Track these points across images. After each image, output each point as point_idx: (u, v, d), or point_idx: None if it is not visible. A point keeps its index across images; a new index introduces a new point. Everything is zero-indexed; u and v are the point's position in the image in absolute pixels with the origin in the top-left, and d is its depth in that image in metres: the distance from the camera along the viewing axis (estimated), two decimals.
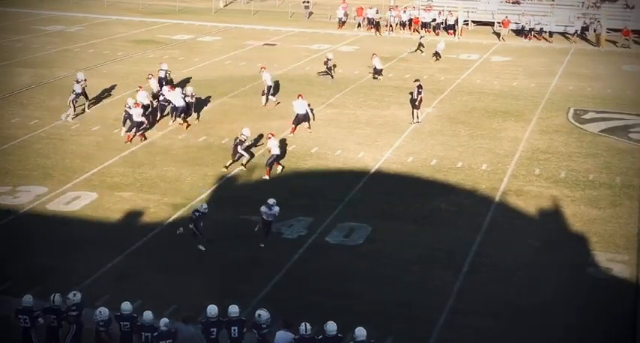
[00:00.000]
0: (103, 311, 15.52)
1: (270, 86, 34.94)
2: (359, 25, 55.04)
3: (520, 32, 52.94)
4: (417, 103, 32.33)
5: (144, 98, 31.42)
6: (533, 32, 52.27)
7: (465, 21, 54.18)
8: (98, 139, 29.66)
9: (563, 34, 52.37)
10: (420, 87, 32.41)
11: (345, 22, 55.50)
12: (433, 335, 17.33)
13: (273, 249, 21.15)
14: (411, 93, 33.07)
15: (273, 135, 26.82)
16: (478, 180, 26.21)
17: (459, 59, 45.62)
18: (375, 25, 54.10)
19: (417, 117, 32.46)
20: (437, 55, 44.30)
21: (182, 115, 31.26)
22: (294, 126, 30.75)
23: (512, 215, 23.78)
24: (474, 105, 35.28)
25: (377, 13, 54.57)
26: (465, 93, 37.33)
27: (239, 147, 26.80)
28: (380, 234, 22.16)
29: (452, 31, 52.97)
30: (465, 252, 21.14)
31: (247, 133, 27.31)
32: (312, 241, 21.73)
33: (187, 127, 31.02)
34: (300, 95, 31.39)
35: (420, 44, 46.30)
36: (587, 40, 51.41)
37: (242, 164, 27.10)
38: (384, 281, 19.63)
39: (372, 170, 27.16)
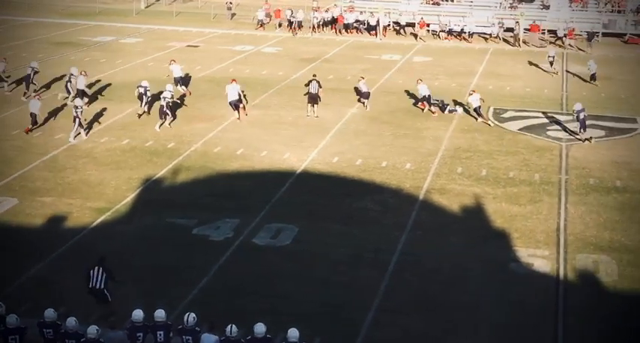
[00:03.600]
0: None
1: (181, 77, 36.28)
2: (279, 25, 55.08)
3: (437, 33, 53.72)
4: (317, 99, 33.10)
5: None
6: (452, 33, 53.16)
7: (389, 22, 54.72)
8: (18, 143, 29.04)
9: (481, 34, 53.35)
10: (318, 82, 33.26)
11: (264, 23, 55.43)
12: (361, 334, 17.49)
13: (200, 252, 21.03)
14: (308, 87, 33.60)
15: None
16: (402, 179, 26.53)
17: (381, 59, 46.07)
18: (293, 26, 54.20)
19: (314, 112, 33.27)
20: None
21: None
22: (236, 111, 32.53)
23: (436, 213, 24.14)
24: (397, 105, 35.70)
25: (292, 14, 54.50)
26: (388, 93, 37.73)
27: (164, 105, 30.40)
28: (307, 235, 22.25)
29: (374, 32, 53.44)
30: (391, 250, 21.38)
31: (171, 88, 31.21)
32: (240, 243, 21.69)
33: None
34: (233, 80, 32.47)
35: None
36: (506, 41, 52.45)
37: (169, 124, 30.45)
38: (312, 281, 19.71)
39: (298, 170, 27.25)
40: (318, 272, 20.20)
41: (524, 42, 51.34)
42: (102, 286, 17.45)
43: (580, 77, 41.72)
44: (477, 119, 33.17)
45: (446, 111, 34.29)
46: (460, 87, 38.98)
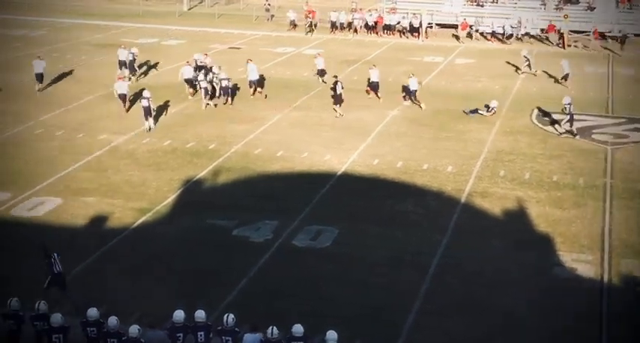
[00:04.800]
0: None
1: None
2: (315, 25, 54.86)
3: (483, 34, 53.38)
4: (338, 99, 33.30)
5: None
6: (495, 34, 52.70)
7: (429, 24, 54.44)
8: (62, 144, 29.36)
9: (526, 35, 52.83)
10: (341, 83, 33.71)
11: (297, 25, 55.46)
12: (402, 336, 17.35)
13: (240, 253, 21.06)
14: (333, 90, 33.82)
15: None
16: (444, 182, 26.32)
17: (423, 61, 45.81)
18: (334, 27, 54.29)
19: (338, 112, 33.44)
20: None
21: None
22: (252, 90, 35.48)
23: (477, 216, 23.91)
24: (439, 107, 35.44)
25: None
26: (430, 95, 37.47)
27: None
28: (347, 237, 22.16)
29: (416, 34, 53.19)
30: (432, 253, 21.21)
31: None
32: (279, 244, 21.67)
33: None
34: (250, 59, 34.77)
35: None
36: (550, 42, 51.89)
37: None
38: (351, 283, 19.62)
39: (339, 172, 27.17)
40: (358, 274, 20.10)
41: (572, 45, 50.74)
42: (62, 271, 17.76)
43: (555, 78, 41.17)
44: (411, 101, 35.27)
45: (485, 113, 34.00)
46: (503, 90, 38.60)
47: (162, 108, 34.13)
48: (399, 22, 54.14)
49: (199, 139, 30.10)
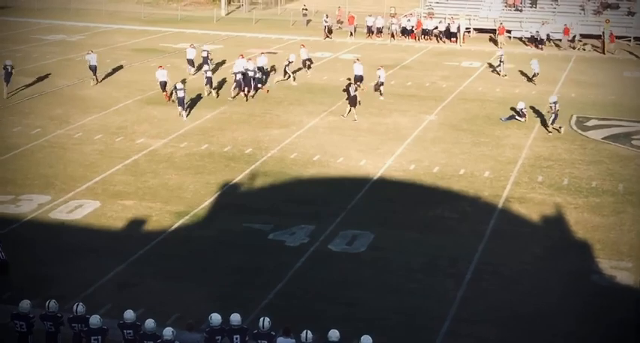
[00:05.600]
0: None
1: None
2: (354, 30, 54.99)
3: (522, 39, 53.06)
4: (354, 101, 33.66)
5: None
6: (535, 39, 52.29)
7: (467, 28, 54.20)
8: (101, 147, 29.66)
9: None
10: (349, 85, 34.20)
11: (338, 29, 55.54)
12: None
13: (275, 257, 21.11)
14: (346, 92, 34.22)
15: None
16: (481, 188, 26.16)
17: (461, 66, 45.62)
18: (373, 32, 54.30)
19: (354, 115, 33.57)
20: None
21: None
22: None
23: (515, 222, 23.73)
24: (476, 112, 35.26)
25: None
26: (467, 100, 37.31)
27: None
28: (383, 242, 22.11)
29: (454, 39, 52.98)
30: (469, 259, 21.08)
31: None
32: (315, 249, 21.68)
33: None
34: (303, 44, 38.19)
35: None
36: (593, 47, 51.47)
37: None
38: (387, 289, 19.57)
39: (374, 177, 27.13)
40: (393, 279, 20.05)
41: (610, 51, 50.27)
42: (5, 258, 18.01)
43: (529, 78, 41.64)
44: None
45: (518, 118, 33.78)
46: (540, 95, 38.28)
47: (199, 112, 34.36)
48: (436, 27, 53.96)
49: (236, 143, 30.25)
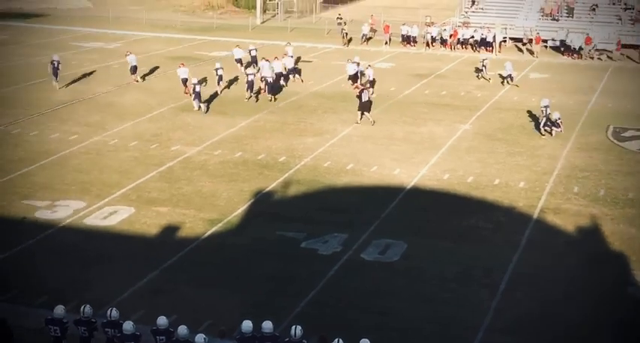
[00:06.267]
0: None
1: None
2: (386, 42, 54.88)
3: (557, 49, 52.64)
4: (369, 107, 34.21)
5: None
6: (571, 49, 51.82)
7: (503, 38, 53.86)
8: (136, 154, 29.88)
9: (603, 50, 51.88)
10: (362, 91, 34.44)
11: (370, 38, 55.63)
12: None
13: (308, 266, 21.10)
14: (359, 98, 34.35)
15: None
16: (515, 198, 25.96)
17: (496, 76, 45.31)
18: (409, 41, 54.28)
19: (370, 119, 34.18)
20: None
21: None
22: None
23: (550, 233, 23.50)
24: (512, 122, 35.02)
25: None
26: (502, 110, 37.08)
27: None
28: (416, 251, 22.01)
29: (490, 48, 52.70)
30: (503, 269, 20.91)
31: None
32: (348, 258, 21.63)
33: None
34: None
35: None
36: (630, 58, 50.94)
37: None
38: (420, 298, 19.47)
39: (408, 186, 27.03)
40: (426, 289, 19.94)
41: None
42: None
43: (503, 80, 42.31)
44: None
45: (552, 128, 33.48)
46: (577, 105, 37.96)
47: (234, 120, 34.50)
48: (472, 36, 53.73)
49: (269, 151, 30.32)
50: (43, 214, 24.14)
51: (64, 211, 24.36)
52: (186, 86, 38.35)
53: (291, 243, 22.43)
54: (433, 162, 29.45)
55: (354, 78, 40.71)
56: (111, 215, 24.21)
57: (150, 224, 23.62)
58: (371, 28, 56.63)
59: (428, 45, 53.91)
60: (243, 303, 18.88)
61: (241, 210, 24.81)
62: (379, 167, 28.79)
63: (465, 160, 29.72)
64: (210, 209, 24.78)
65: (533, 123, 34.33)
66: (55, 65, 39.97)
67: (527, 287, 20.10)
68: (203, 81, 40.48)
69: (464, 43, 53.68)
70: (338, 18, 60.63)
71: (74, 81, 41.76)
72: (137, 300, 18.92)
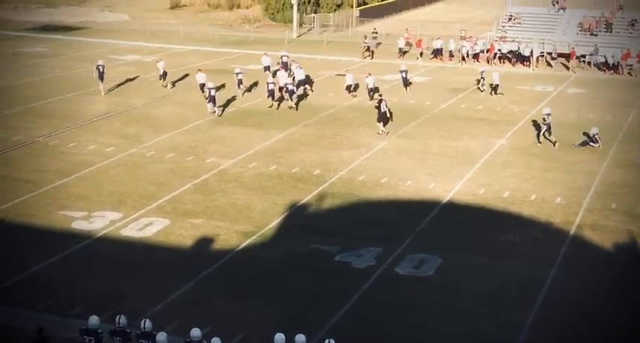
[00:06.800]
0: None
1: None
2: (421, 54, 54.73)
3: (597, 64, 52.15)
4: (387, 118, 34.77)
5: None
6: (610, 65, 51.28)
7: (540, 52, 53.45)
8: (171, 166, 30.06)
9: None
10: (380, 102, 34.77)
11: (406, 52, 55.58)
12: None
13: (342, 279, 21.03)
14: (377, 108, 34.81)
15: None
16: (552, 214, 25.70)
17: (533, 90, 45.07)
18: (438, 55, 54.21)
19: (384, 130, 34.65)
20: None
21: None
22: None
23: (587, 249, 23.22)
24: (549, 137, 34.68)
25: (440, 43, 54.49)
26: (539, 125, 36.73)
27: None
28: (451, 266, 21.86)
29: (527, 63, 52.38)
30: (538, 286, 20.68)
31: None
32: (382, 271, 21.53)
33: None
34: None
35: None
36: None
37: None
38: (454, 313, 19.31)
39: (444, 201, 26.88)
40: (461, 304, 19.78)
41: None
42: None
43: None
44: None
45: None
46: (615, 121, 37.55)
47: (268, 133, 34.61)
48: (510, 51, 53.41)
49: (304, 165, 30.34)
50: (80, 225, 24.35)
51: (100, 222, 24.56)
52: (203, 90, 39.70)
53: (325, 257, 22.39)
54: (469, 177, 29.28)
55: (354, 88, 42.18)
56: (146, 226, 24.36)
57: (185, 236, 23.72)
58: (407, 41, 56.57)
59: (463, 59, 53.69)
60: (277, 316, 18.87)
61: (275, 222, 24.84)
62: (414, 181, 28.67)
63: (500, 175, 29.51)
64: (245, 221, 24.83)
65: (569, 139, 33.97)
66: (101, 70, 41.85)
67: (564, 303, 19.86)
68: (221, 87, 42.04)
69: (501, 57, 53.38)
70: (373, 32, 60.63)
71: (111, 92, 42.20)
72: (171, 312, 19.00)
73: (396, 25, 67.72)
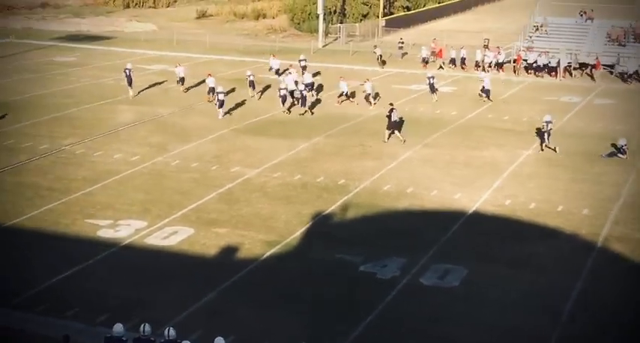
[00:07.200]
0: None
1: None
2: (440, 66, 54.55)
3: (619, 75, 51.75)
4: (398, 126, 35.28)
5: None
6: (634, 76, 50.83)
7: (568, 63, 53.11)
8: (196, 176, 30.14)
9: None
10: (391, 110, 35.04)
11: (431, 61, 55.45)
12: None
13: (366, 289, 20.95)
14: (388, 117, 35.00)
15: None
16: (579, 225, 25.46)
17: (560, 101, 44.78)
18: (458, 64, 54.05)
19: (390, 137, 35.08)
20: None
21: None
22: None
23: (614, 262, 22.98)
24: (576, 148, 34.41)
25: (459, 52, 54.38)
26: (566, 135, 36.47)
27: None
28: (476, 277, 21.70)
29: (554, 73, 52.06)
30: (564, 298, 20.47)
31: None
32: (406, 282, 21.42)
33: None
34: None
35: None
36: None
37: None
38: (479, 325, 19.16)
39: (469, 212, 26.73)
40: (485, 315, 19.62)
41: None
42: None
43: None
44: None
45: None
46: None
47: (294, 143, 34.63)
48: (535, 61, 53.11)
49: (329, 174, 30.30)
50: (106, 233, 24.46)
51: (125, 230, 24.65)
52: (210, 94, 41.52)
53: (349, 267, 22.31)
54: (495, 188, 29.10)
55: (350, 94, 43.04)
56: (171, 235, 24.42)
57: (209, 245, 23.75)
58: (432, 51, 56.41)
59: (483, 68, 53.42)
60: (301, 326, 18.81)
61: (300, 232, 24.81)
62: (439, 191, 28.54)
63: (527, 186, 29.30)
64: (269, 231, 24.82)
65: (596, 150, 33.69)
66: (128, 73, 43.39)
67: (589, 316, 19.65)
68: (230, 92, 43.36)
69: (528, 67, 53.11)
70: (399, 42, 60.57)
71: (137, 101, 42.45)
72: (195, 320, 19.00)
73: (422, 35, 67.60)
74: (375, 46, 57.71)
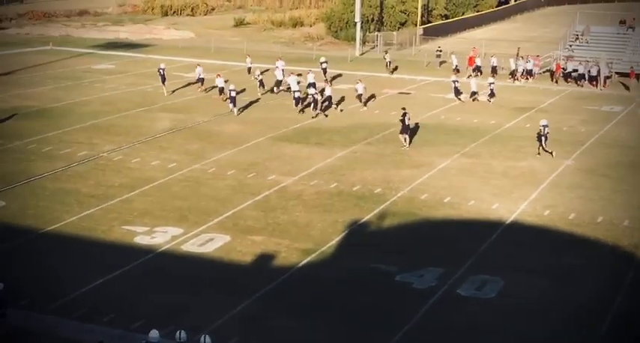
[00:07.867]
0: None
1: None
2: (469, 76, 54.05)
3: None
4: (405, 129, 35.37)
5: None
6: None
7: (609, 72, 52.43)
8: (233, 183, 30.16)
9: None
10: (404, 114, 35.19)
11: (460, 70, 55.08)
12: None
13: (402, 299, 20.76)
14: (402, 121, 35.24)
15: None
16: (619, 237, 25.04)
17: (601, 111, 44.22)
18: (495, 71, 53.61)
19: (406, 141, 35.42)
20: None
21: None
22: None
23: None
24: (618, 158, 33.92)
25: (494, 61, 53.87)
26: (607, 145, 36.00)
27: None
28: (513, 288, 21.41)
29: (594, 83, 51.45)
30: (604, 310, 20.11)
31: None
32: (443, 292, 21.19)
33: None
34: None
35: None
36: None
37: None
38: (516, 337, 18.90)
39: (507, 222, 26.42)
40: (523, 328, 19.33)
41: None
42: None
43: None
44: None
45: None
46: None
47: (331, 151, 34.53)
48: (575, 70, 52.55)
49: (365, 183, 30.16)
50: (143, 240, 24.53)
51: (162, 237, 24.71)
52: (221, 93, 43.98)
53: (385, 276, 22.14)
54: (533, 198, 28.74)
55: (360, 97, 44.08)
56: (207, 242, 24.43)
57: (245, 252, 23.72)
58: (469, 60, 55.97)
59: (514, 76, 52.99)
60: (336, 335, 18.68)
61: (336, 241, 24.68)
62: (477, 201, 28.26)
63: (566, 196, 28.90)
64: (305, 239, 24.73)
65: (639, 160, 33.19)
66: (162, 73, 46.16)
67: (630, 329, 19.27)
68: (242, 91, 44.89)
69: (567, 76, 52.56)
70: (437, 50, 60.31)
71: (174, 109, 42.66)
72: (231, 328, 18.96)
73: (460, 43, 67.26)
74: (386, 52, 57.78)
